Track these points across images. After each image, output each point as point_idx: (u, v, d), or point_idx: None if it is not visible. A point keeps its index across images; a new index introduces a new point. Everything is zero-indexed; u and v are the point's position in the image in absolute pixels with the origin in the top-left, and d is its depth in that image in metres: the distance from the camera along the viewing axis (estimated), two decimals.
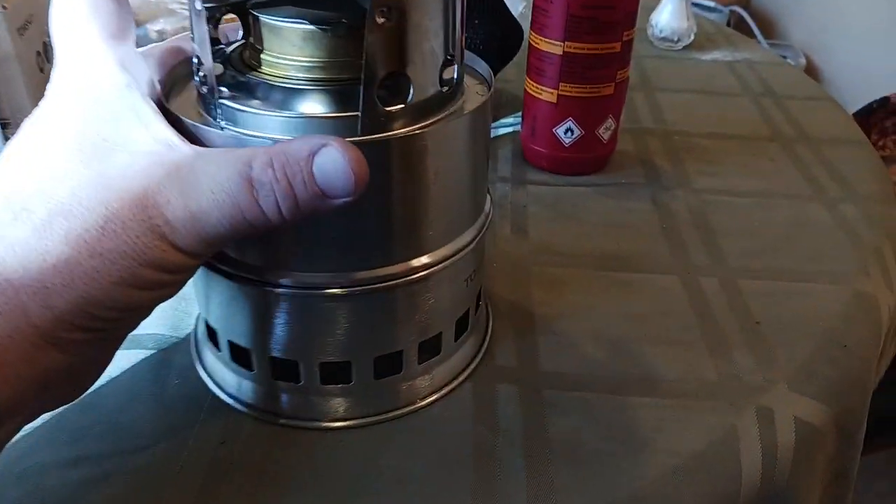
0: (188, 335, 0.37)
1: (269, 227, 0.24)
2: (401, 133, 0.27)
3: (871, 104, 1.21)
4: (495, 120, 0.62)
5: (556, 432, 0.32)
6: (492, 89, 0.32)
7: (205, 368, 0.35)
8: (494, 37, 0.60)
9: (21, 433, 0.25)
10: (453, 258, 0.31)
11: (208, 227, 0.23)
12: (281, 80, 0.28)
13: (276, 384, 0.33)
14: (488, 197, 0.34)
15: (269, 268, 0.29)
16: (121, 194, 0.23)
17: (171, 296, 0.25)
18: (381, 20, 0.25)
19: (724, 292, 0.42)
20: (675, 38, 0.79)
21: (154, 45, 0.31)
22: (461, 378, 0.35)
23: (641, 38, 0.79)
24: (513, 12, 0.63)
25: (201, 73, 0.28)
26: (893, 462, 1.09)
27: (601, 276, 0.43)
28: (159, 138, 0.25)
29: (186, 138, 0.25)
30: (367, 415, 0.33)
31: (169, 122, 0.26)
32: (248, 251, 0.29)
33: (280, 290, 0.29)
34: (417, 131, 0.27)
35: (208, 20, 0.30)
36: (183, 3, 0.63)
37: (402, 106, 0.27)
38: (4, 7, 0.41)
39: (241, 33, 0.32)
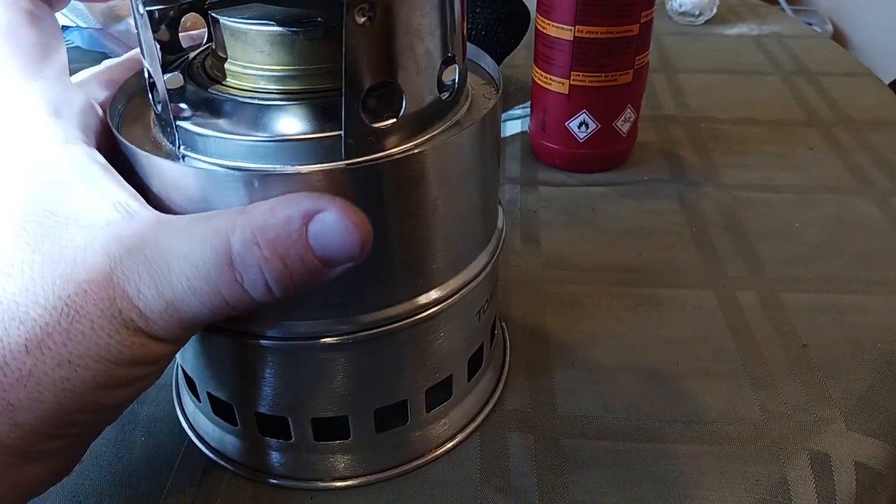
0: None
1: (259, 307, 0.21)
2: (395, 154, 0.23)
3: None
4: (503, 110, 0.57)
5: (577, 493, 0.28)
6: (500, 91, 0.27)
7: (186, 418, 0.31)
8: (499, 19, 0.55)
9: None
10: (463, 291, 0.26)
11: (188, 316, 0.20)
12: (248, 94, 0.23)
13: (263, 440, 0.28)
14: (500, 210, 0.30)
15: (250, 317, 0.25)
16: (82, 286, 0.19)
17: (153, 383, 0.22)
18: (361, 19, 0.20)
19: (765, 309, 0.37)
20: (697, 13, 0.73)
21: (109, 61, 0.27)
22: (477, 422, 0.31)
23: (660, 13, 0.73)
24: None
25: (156, 90, 0.23)
26: None
27: (624, 293, 0.38)
28: (115, 203, 0.20)
29: (141, 174, 0.22)
30: (371, 472, 0.29)
31: (118, 159, 0.22)
32: None
33: (263, 342, 0.25)
34: (414, 150, 0.23)
35: (161, 22, 0.26)
36: None
37: (394, 120, 0.23)
38: None
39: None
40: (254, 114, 0.23)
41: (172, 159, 0.23)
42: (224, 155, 0.22)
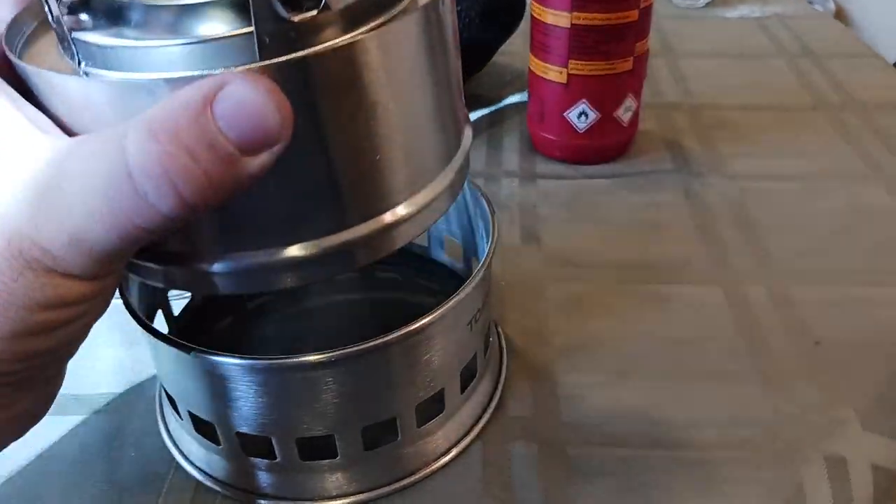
0: (146, 392, 0.32)
1: (178, 224, 0.17)
2: (321, 49, 0.19)
3: None
4: (499, 100, 0.55)
5: None
6: None
7: (170, 435, 0.30)
8: (492, 5, 0.53)
9: None
10: (426, 214, 0.23)
11: (97, 247, 0.17)
12: None
13: (248, 460, 0.27)
14: (468, 129, 0.25)
15: (190, 248, 0.21)
16: None
17: (96, 318, 0.20)
18: None
19: (775, 304, 0.36)
20: None
21: None
22: (473, 434, 0.29)
23: None
24: None
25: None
26: None
27: (628, 290, 0.37)
28: (16, 132, 0.18)
29: (41, 98, 0.19)
30: (363, 490, 0.27)
31: (19, 79, 0.19)
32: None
33: (245, 361, 0.24)
34: (340, 43, 0.19)
35: None
36: None
37: (315, 12, 0.19)
38: None
39: None
40: (167, 17, 0.19)
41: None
42: (134, 66, 0.19)
